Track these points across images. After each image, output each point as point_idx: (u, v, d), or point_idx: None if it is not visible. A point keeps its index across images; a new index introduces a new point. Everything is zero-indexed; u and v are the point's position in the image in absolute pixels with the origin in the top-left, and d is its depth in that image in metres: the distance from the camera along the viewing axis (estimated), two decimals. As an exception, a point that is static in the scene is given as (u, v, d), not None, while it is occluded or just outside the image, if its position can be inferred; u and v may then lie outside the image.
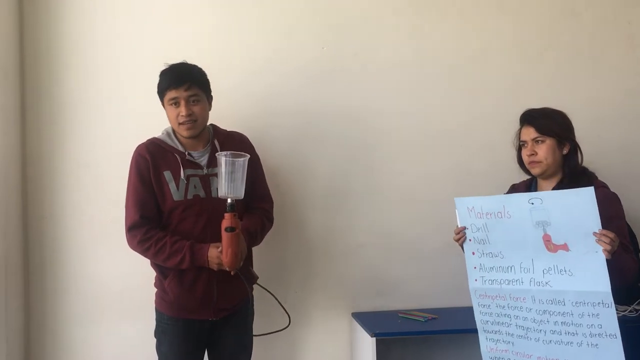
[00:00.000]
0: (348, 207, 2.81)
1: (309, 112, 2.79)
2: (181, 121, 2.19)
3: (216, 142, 2.29)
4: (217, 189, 2.20)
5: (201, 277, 2.21)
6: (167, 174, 2.20)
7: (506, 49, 2.90)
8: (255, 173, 2.35)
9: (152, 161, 2.20)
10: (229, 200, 2.11)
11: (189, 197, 2.20)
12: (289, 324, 2.40)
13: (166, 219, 2.22)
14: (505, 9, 2.91)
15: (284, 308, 2.35)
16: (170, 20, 2.71)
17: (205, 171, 2.25)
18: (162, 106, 2.27)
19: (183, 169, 2.21)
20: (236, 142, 2.33)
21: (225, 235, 2.10)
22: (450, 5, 2.87)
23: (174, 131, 2.29)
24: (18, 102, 2.60)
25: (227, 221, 2.10)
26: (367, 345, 2.45)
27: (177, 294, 2.21)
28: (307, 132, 2.79)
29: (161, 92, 2.24)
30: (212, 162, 2.25)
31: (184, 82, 2.19)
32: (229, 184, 2.11)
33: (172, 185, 2.20)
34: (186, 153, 2.24)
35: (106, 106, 2.67)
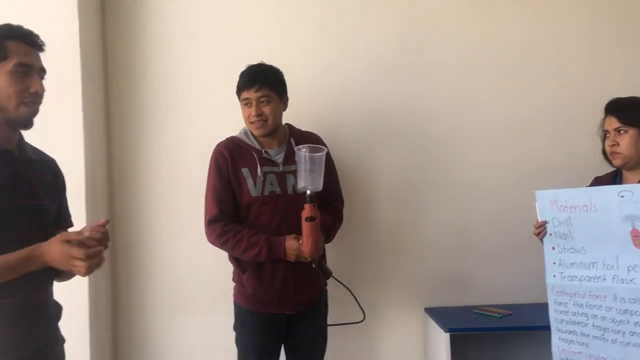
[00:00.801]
0: (421, 202, 2.80)
1: (378, 108, 2.80)
2: (252, 120, 2.28)
3: (292, 141, 2.36)
4: (292, 185, 2.26)
5: (278, 271, 2.26)
6: (245, 171, 2.28)
7: (585, 35, 2.81)
8: (329, 172, 2.38)
9: (230, 158, 2.28)
10: (308, 192, 2.16)
11: (266, 193, 2.27)
12: (364, 319, 2.42)
13: (243, 214, 2.29)
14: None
15: (358, 304, 2.37)
16: (243, 22, 2.79)
17: (281, 168, 2.31)
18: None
19: (260, 166, 2.28)
20: (311, 142, 2.37)
21: (305, 225, 2.15)
22: (521, -2, 2.81)
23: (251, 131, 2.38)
24: (102, 108, 2.74)
25: (307, 211, 2.15)
26: (441, 341, 2.44)
27: (255, 288, 2.28)
28: (377, 129, 2.80)
29: (237, 92, 2.33)
30: (288, 160, 2.32)
31: (255, 84, 2.27)
32: (308, 176, 2.17)
33: (249, 182, 2.27)
34: (263, 151, 2.31)
35: (184, 108, 2.78)
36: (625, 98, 2.14)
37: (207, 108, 2.77)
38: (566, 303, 1.99)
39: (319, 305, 2.36)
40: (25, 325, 1.55)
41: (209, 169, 2.32)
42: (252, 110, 2.27)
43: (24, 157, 1.62)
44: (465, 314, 2.64)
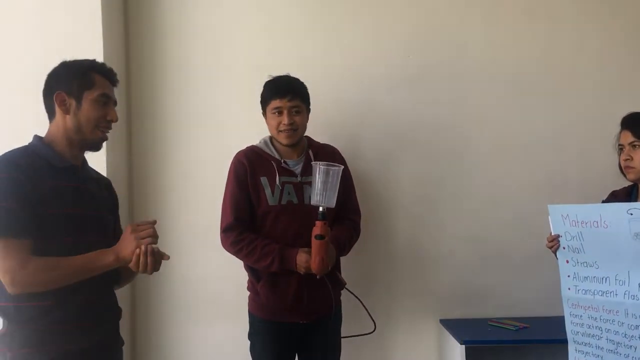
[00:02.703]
0: (437, 214, 2.81)
1: (397, 120, 2.82)
2: (282, 129, 2.31)
3: (310, 153, 2.39)
4: (309, 196, 2.27)
5: (292, 281, 2.28)
6: (264, 180, 2.31)
7: (602, 50, 2.80)
8: (347, 185, 2.42)
9: (249, 167, 2.32)
10: (320, 209, 2.19)
11: (283, 202, 2.30)
12: (374, 329, 2.43)
13: (260, 222, 2.32)
14: (596, 10, 2.81)
15: (369, 314, 2.39)
16: (264, 30, 2.83)
17: (299, 179, 2.34)
18: (262, 115, 2.39)
19: (279, 176, 2.31)
20: (329, 154, 2.42)
21: (315, 243, 2.18)
22: (539, 9, 2.81)
23: (271, 140, 2.41)
24: (124, 114, 2.77)
25: (317, 229, 2.18)
26: (456, 353, 2.44)
27: (270, 297, 2.30)
28: (395, 140, 2.82)
29: (265, 101, 2.37)
30: (306, 171, 2.35)
31: (288, 93, 2.31)
32: (322, 192, 2.19)
33: (267, 191, 2.30)
34: (282, 161, 2.35)
35: (204, 114, 2.82)
36: None
37: (227, 115, 2.81)
38: (581, 316, 1.99)
39: (333, 316, 2.37)
40: (91, 321, 1.71)
41: (228, 177, 2.37)
42: (284, 119, 2.30)
43: (85, 173, 1.82)
44: (480, 326, 2.63)
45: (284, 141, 2.34)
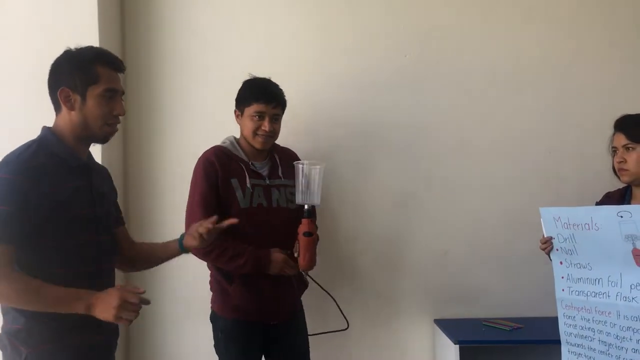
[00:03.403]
0: (431, 214, 2.81)
1: (392, 119, 2.82)
2: (261, 134, 2.31)
3: (276, 156, 2.41)
4: (277, 200, 2.31)
5: (266, 281, 2.27)
6: (235, 182, 2.28)
7: (597, 51, 2.81)
8: None
9: (220, 167, 2.28)
10: (306, 207, 2.22)
11: (254, 205, 2.29)
12: (347, 328, 2.46)
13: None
14: (596, 11, 2.81)
15: (342, 312, 2.43)
16: (258, 29, 2.83)
17: (267, 182, 2.34)
18: (236, 114, 2.37)
19: (249, 178, 2.30)
20: (292, 158, 2.44)
21: (303, 240, 2.20)
22: (537, 9, 2.81)
23: (237, 141, 2.40)
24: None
25: (304, 226, 2.21)
26: (450, 353, 2.45)
27: (245, 298, 2.28)
28: (390, 138, 2.82)
29: (245, 101, 2.34)
30: (273, 174, 2.37)
31: (274, 100, 2.32)
32: (306, 191, 2.22)
33: (238, 193, 2.27)
34: (250, 163, 2.34)
35: (199, 114, 2.81)
36: (633, 115, 2.15)
37: (223, 111, 2.76)
38: (574, 317, 2.00)
39: (300, 315, 2.42)
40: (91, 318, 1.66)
41: (196, 177, 2.30)
42: (266, 125, 2.30)
43: (93, 168, 1.78)
44: (475, 326, 2.64)
45: (259, 146, 2.33)
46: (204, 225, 1.85)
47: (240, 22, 2.83)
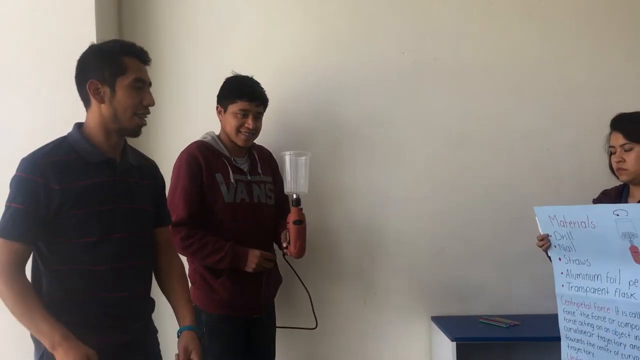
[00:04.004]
0: (429, 211, 2.81)
1: (389, 115, 2.82)
2: (244, 131, 2.34)
3: (254, 153, 2.45)
4: (258, 195, 2.36)
5: (252, 275, 2.30)
6: (219, 176, 2.31)
7: (595, 47, 2.81)
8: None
9: (204, 162, 2.30)
10: (294, 196, 2.28)
11: (237, 200, 2.32)
12: (316, 327, 2.54)
13: (212, 219, 2.29)
14: (591, 9, 2.82)
15: (313, 312, 2.54)
16: (255, 27, 2.83)
17: (248, 177, 2.38)
18: (217, 110, 2.40)
19: (232, 173, 2.32)
20: (267, 155, 2.53)
21: (293, 228, 2.25)
22: (532, 7, 2.82)
23: (219, 137, 2.41)
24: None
25: (294, 215, 2.26)
26: (447, 350, 2.45)
27: (231, 292, 2.29)
28: (387, 135, 2.82)
29: (229, 98, 2.36)
30: (253, 171, 2.41)
31: (258, 99, 2.36)
32: (294, 180, 2.28)
33: (223, 188, 2.30)
34: (232, 159, 2.36)
35: (195, 110, 2.81)
36: (629, 113, 2.14)
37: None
38: (574, 312, 2.00)
39: (273, 308, 2.52)
40: (126, 315, 1.72)
41: (178, 172, 2.31)
42: (250, 123, 2.34)
43: (125, 165, 1.75)
44: (472, 323, 2.64)
45: (241, 143, 2.36)
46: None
47: (238, 19, 2.83)
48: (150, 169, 1.88)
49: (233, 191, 2.31)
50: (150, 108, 1.74)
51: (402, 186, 2.82)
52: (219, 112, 2.41)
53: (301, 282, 2.53)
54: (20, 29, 2.58)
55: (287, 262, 2.50)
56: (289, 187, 2.30)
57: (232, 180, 2.31)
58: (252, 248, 2.28)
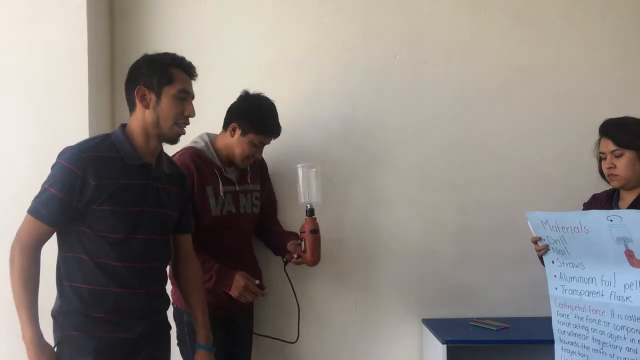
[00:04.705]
0: (420, 214, 2.81)
1: (383, 119, 2.82)
2: (250, 160, 2.36)
3: None
4: (244, 205, 2.37)
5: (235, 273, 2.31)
6: (209, 189, 2.30)
7: (585, 53, 2.84)
8: (271, 193, 2.55)
9: (197, 175, 2.26)
10: (308, 206, 2.30)
11: (224, 212, 2.31)
12: (297, 340, 2.58)
13: (202, 232, 2.22)
14: (583, 13, 2.85)
15: (298, 324, 2.57)
16: (249, 28, 2.81)
17: (237, 187, 2.37)
18: (233, 130, 2.34)
19: (222, 185, 2.31)
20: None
21: (310, 237, 2.30)
22: (524, 12, 2.84)
23: (212, 144, 2.38)
24: (109, 113, 2.74)
25: (309, 224, 2.31)
26: (437, 352, 2.45)
27: (213, 294, 2.27)
28: (380, 138, 2.82)
29: (256, 128, 2.31)
30: (242, 180, 2.39)
31: (277, 136, 2.40)
32: (306, 190, 2.30)
33: (212, 201, 2.29)
34: (223, 169, 2.34)
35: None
36: (617, 119, 2.15)
37: (213, 111, 2.75)
38: (568, 315, 2.01)
39: (252, 312, 2.57)
40: (138, 312, 1.80)
41: None
42: (259, 154, 2.38)
43: (159, 171, 1.86)
44: (462, 326, 2.65)
45: (242, 166, 2.37)
46: None
47: (232, 20, 2.81)
48: (179, 177, 1.98)
49: (221, 204, 2.31)
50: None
51: (394, 189, 2.82)
52: (232, 129, 2.34)
53: (295, 296, 2.55)
54: (10, 30, 2.55)
55: (286, 273, 2.53)
56: (303, 198, 2.34)
57: (221, 194, 2.30)
58: (240, 273, 2.28)
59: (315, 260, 2.35)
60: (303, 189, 2.33)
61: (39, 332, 1.68)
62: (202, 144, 2.36)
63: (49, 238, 1.74)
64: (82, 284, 1.73)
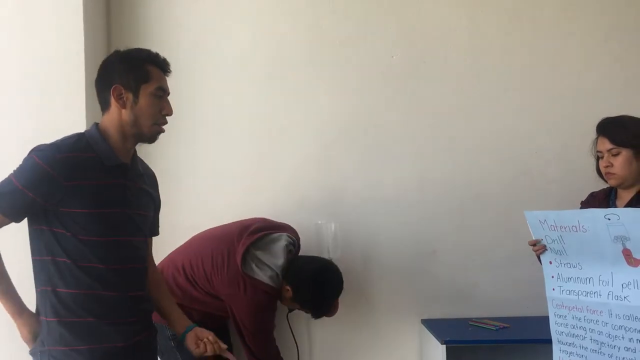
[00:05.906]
0: (418, 214, 2.82)
1: (379, 118, 2.82)
2: None
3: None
4: None
5: None
6: None
7: (584, 53, 2.84)
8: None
9: None
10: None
11: None
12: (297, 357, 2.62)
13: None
14: (579, 13, 2.85)
15: (294, 338, 2.59)
16: (245, 27, 2.83)
17: None
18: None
19: None
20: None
21: None
22: (521, 11, 2.84)
23: None
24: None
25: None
26: (437, 353, 2.45)
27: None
28: (376, 139, 2.82)
29: None
30: None
31: None
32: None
33: None
34: None
35: (187, 115, 2.74)
36: (614, 118, 2.15)
37: (211, 110, 2.78)
38: (565, 316, 2.00)
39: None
40: (126, 316, 1.73)
41: None
42: None
43: (135, 170, 1.79)
44: (461, 326, 2.65)
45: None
46: (216, 346, 1.86)
47: (229, 18, 2.81)
48: (152, 178, 1.91)
49: None
50: None
51: (392, 189, 2.82)
52: None
53: (294, 338, 2.61)
54: (7, 32, 2.54)
55: (289, 324, 2.58)
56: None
57: None
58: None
59: None
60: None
61: (19, 311, 1.67)
62: None
63: (3, 226, 1.65)
64: (64, 289, 1.65)
